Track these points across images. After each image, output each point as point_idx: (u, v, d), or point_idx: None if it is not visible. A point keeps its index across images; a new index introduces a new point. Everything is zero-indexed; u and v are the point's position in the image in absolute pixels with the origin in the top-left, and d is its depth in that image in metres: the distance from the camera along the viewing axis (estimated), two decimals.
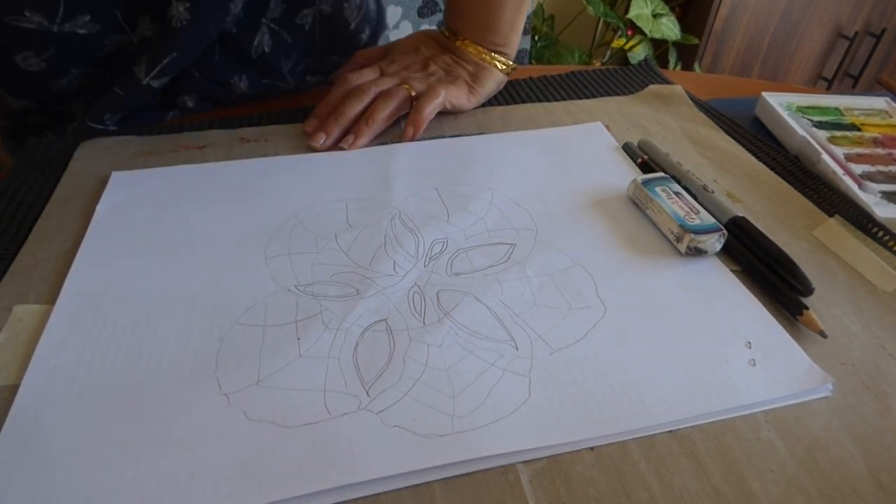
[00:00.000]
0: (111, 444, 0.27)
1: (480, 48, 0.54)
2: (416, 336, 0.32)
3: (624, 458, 0.27)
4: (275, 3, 0.53)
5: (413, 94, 0.50)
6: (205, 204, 0.42)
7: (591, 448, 0.28)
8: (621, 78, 0.61)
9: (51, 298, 0.34)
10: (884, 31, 1.79)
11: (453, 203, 0.42)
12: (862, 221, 0.41)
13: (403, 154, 0.48)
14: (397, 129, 0.51)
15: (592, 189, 0.44)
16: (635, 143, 0.49)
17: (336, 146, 0.49)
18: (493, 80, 0.54)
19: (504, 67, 0.55)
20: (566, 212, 0.42)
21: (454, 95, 0.51)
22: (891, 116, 0.54)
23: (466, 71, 0.54)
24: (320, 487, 0.25)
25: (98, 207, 0.41)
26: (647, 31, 1.50)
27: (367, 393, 0.29)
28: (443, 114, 0.52)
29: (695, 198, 0.41)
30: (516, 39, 0.55)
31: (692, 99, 0.56)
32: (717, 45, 1.71)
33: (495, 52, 0.55)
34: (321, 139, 0.48)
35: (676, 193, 0.41)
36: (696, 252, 0.38)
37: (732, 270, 0.37)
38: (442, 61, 0.55)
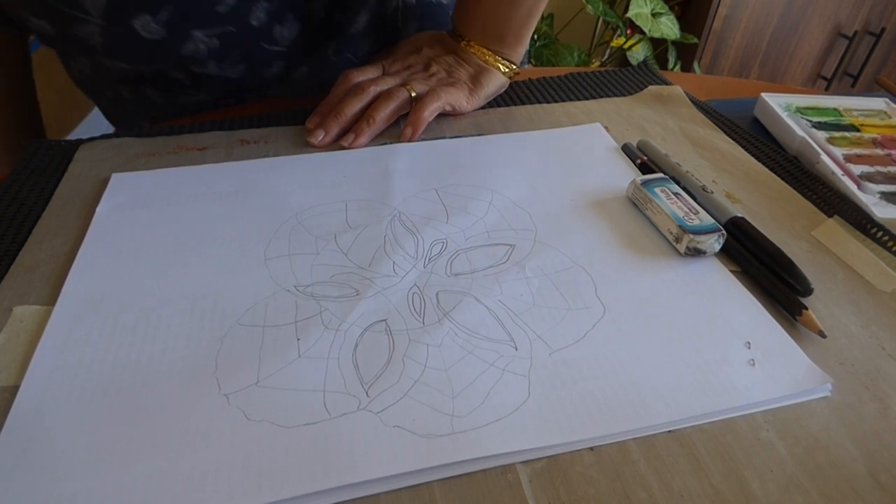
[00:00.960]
0: (111, 444, 0.27)
1: (485, 50, 0.54)
2: (416, 336, 0.32)
3: (623, 458, 0.27)
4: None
5: (413, 94, 0.50)
6: (205, 205, 0.42)
7: (591, 448, 0.28)
8: (620, 79, 0.61)
9: (51, 299, 0.34)
10: (883, 30, 1.79)
11: (453, 204, 0.43)
12: (861, 222, 0.41)
13: (403, 155, 0.48)
14: (397, 130, 0.51)
15: (592, 190, 0.44)
16: (634, 144, 0.49)
17: (335, 144, 0.49)
18: (495, 83, 0.54)
19: (507, 71, 0.55)
20: (565, 212, 0.42)
21: (454, 98, 0.51)
22: (889, 117, 0.54)
23: (468, 73, 0.54)
24: (320, 487, 0.25)
25: (98, 209, 0.41)
26: (646, 30, 1.50)
27: (367, 393, 0.29)
28: (443, 115, 0.52)
29: (694, 198, 0.41)
30: (522, 49, 0.56)
31: (691, 100, 0.56)
32: (717, 44, 1.71)
33: (500, 55, 0.55)
34: (320, 136, 0.48)
35: (675, 194, 0.41)
36: (696, 252, 0.38)
37: (732, 271, 0.37)
38: (444, 62, 0.55)
